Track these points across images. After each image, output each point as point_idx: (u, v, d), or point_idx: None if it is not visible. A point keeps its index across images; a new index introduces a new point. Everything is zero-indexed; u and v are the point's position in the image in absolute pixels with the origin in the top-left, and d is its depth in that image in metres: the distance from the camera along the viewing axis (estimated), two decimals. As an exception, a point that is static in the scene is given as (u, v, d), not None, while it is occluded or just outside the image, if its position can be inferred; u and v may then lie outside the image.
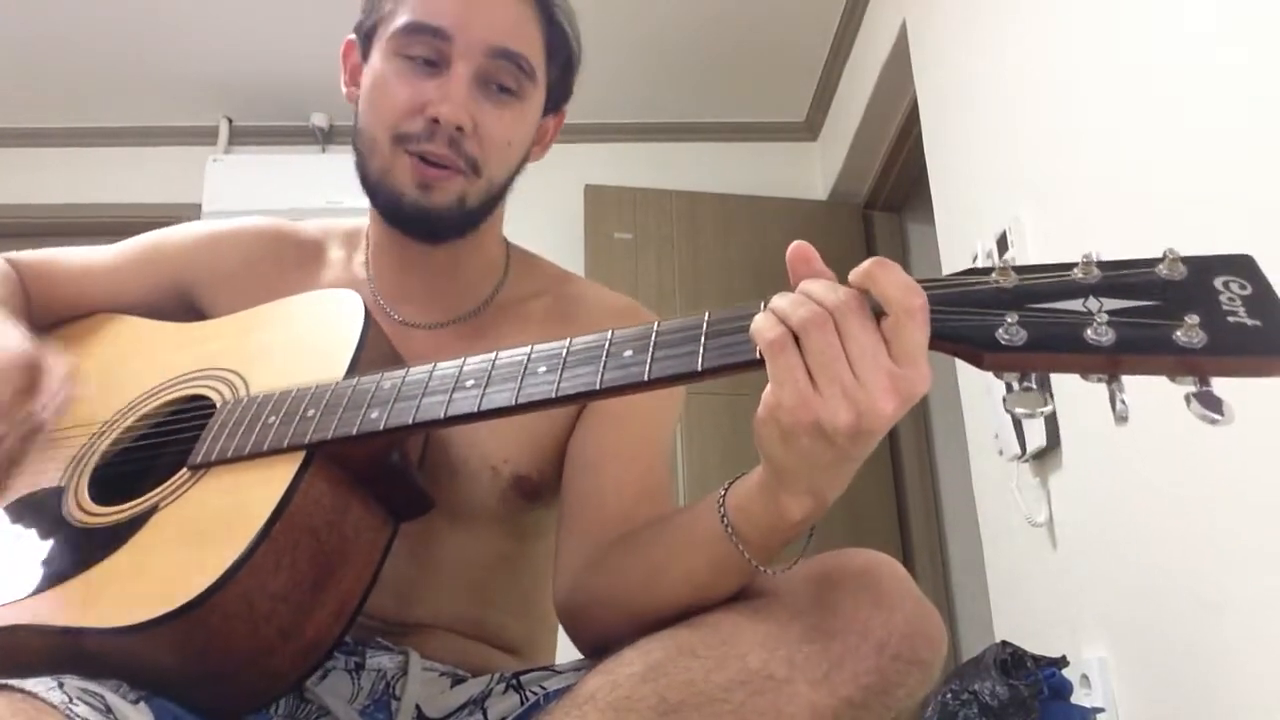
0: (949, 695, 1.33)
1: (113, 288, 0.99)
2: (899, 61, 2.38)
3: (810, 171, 3.24)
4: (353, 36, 0.94)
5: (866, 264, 0.54)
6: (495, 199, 0.90)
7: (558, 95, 0.95)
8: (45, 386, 0.83)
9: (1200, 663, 1.22)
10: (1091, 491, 1.48)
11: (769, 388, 0.54)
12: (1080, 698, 1.40)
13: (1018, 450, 1.65)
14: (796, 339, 0.53)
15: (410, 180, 0.85)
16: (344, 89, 0.95)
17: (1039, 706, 1.28)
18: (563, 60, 0.93)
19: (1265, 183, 1.11)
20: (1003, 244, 1.73)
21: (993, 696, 1.29)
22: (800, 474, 0.57)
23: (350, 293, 0.83)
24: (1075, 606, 1.52)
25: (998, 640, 1.42)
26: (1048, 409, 0.52)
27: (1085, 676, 1.43)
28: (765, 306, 0.56)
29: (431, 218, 0.86)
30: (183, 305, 0.97)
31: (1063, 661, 1.35)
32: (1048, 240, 1.61)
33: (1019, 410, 0.52)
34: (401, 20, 0.86)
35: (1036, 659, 1.34)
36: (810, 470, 0.57)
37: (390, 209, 0.88)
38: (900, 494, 2.81)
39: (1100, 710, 1.37)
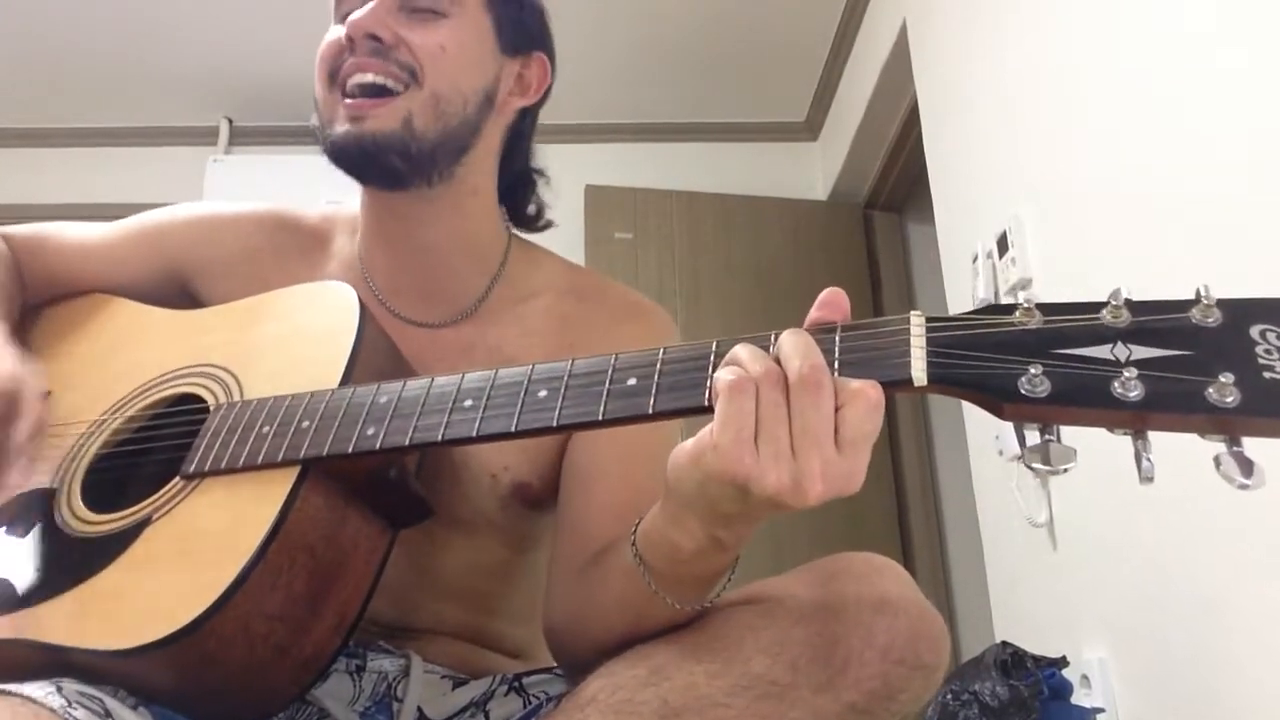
0: (949, 696, 1.33)
1: (107, 267, 0.96)
2: (899, 61, 2.38)
3: (810, 171, 3.24)
4: None
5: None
6: (454, 126, 0.85)
7: (516, 34, 0.91)
8: (24, 410, 0.76)
9: (1200, 663, 1.22)
10: (1091, 491, 1.48)
11: (711, 427, 0.53)
12: (1080, 698, 1.40)
13: (1018, 450, 1.65)
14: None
15: (344, 118, 0.83)
16: None
17: (1039, 707, 1.28)
18: None
19: (1264, 183, 1.11)
20: (1003, 244, 1.73)
21: (993, 697, 1.29)
22: (700, 514, 0.56)
23: (345, 286, 0.81)
24: (1075, 607, 1.52)
25: (998, 640, 1.42)
26: (1070, 465, 0.49)
27: (1085, 677, 1.43)
28: (775, 338, 0.55)
29: (370, 146, 0.82)
30: (178, 290, 0.95)
31: (1063, 662, 1.35)
32: (1048, 240, 1.61)
33: (1038, 466, 0.49)
34: None
35: (1036, 659, 1.34)
36: (711, 514, 0.56)
37: (333, 155, 0.84)
38: (900, 494, 2.81)
39: (1100, 710, 1.36)
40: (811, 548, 0.65)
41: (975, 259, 1.84)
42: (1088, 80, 1.50)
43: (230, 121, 3.16)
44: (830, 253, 3.00)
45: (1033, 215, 1.66)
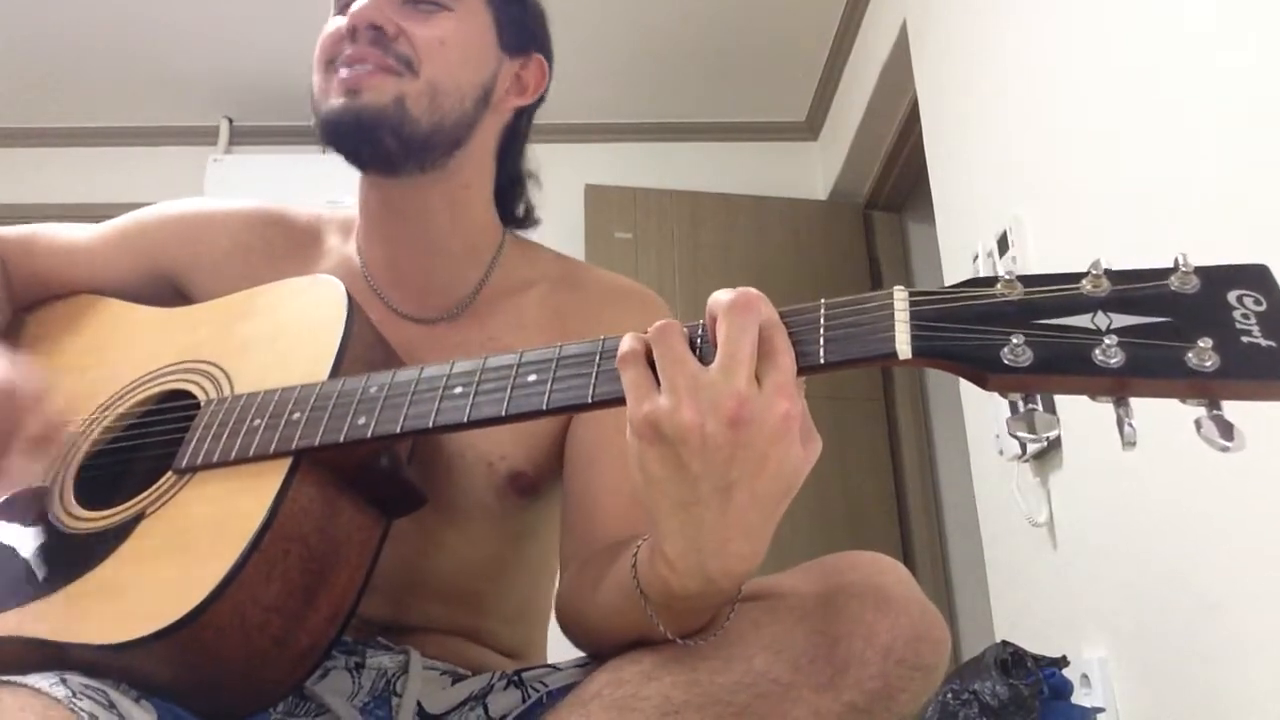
0: (949, 695, 1.33)
1: (97, 268, 0.96)
2: (899, 61, 2.38)
3: (810, 171, 3.24)
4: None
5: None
6: (450, 118, 0.86)
7: (517, 34, 0.92)
8: (24, 407, 0.73)
9: (1200, 662, 1.22)
10: (1091, 491, 1.48)
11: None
12: (1080, 698, 1.40)
13: (1018, 450, 1.66)
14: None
15: (339, 92, 0.83)
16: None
17: (1039, 706, 1.28)
18: None
19: (1265, 183, 1.11)
20: (1003, 244, 1.73)
21: (993, 696, 1.29)
22: (664, 514, 0.54)
23: (333, 280, 0.80)
24: (1075, 606, 1.52)
25: (998, 640, 1.42)
26: (1054, 433, 0.50)
27: (1085, 676, 1.43)
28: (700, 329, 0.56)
29: (365, 119, 0.82)
30: (167, 288, 0.94)
31: (1063, 661, 1.35)
32: (1048, 240, 1.61)
33: (1023, 434, 0.49)
34: None
35: (1037, 659, 1.34)
36: (670, 507, 0.54)
37: (327, 130, 0.84)
38: (900, 494, 2.81)
39: (1100, 710, 1.37)
40: (812, 547, 0.65)
41: (975, 259, 1.84)
42: (1087, 80, 1.50)
43: (230, 121, 3.16)
44: (830, 253, 3.00)
45: (1033, 215, 1.66)
